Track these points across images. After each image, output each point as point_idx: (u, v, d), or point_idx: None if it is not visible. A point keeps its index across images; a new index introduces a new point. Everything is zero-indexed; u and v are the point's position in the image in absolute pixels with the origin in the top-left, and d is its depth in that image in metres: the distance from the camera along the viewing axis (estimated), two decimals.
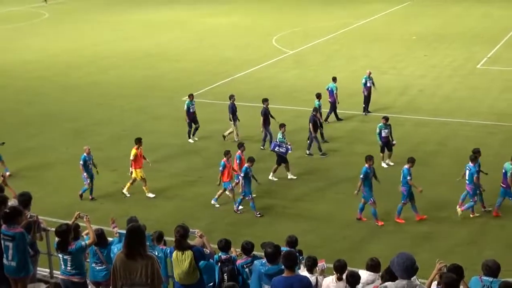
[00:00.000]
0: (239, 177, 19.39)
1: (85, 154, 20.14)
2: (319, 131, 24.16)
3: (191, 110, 25.30)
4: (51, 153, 24.68)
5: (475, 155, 18.59)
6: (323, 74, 34.11)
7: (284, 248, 10.85)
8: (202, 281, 10.97)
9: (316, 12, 59.34)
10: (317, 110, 24.30)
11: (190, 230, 10.85)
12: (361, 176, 18.16)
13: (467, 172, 18.33)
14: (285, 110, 28.13)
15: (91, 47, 45.40)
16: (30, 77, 37.07)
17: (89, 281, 11.84)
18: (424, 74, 35.59)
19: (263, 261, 10.08)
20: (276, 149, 21.49)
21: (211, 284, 11.67)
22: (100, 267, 11.87)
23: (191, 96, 25.78)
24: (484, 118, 27.50)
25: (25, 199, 11.93)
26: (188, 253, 10.52)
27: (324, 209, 19.56)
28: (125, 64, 39.94)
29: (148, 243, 8.84)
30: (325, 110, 26.43)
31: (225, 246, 11.59)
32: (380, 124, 22.46)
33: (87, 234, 11.44)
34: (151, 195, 20.51)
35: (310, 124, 23.51)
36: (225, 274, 11.31)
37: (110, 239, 12.03)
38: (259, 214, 19.08)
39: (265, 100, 24.54)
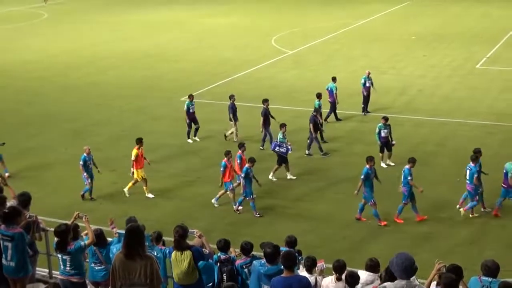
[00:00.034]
0: (240, 177, 19.36)
1: (85, 154, 20.13)
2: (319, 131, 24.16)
3: (191, 111, 25.30)
4: (51, 154, 24.66)
5: (476, 155, 18.56)
6: (322, 74, 34.12)
7: (283, 248, 10.85)
8: (201, 282, 10.95)
9: (315, 13, 59.33)
10: (317, 110, 24.30)
11: (189, 230, 10.85)
12: (362, 177, 18.13)
13: (468, 172, 18.32)
14: (284, 110, 28.11)
15: (90, 47, 45.38)
16: (29, 77, 37.06)
17: (88, 281, 11.83)
18: (423, 74, 35.59)
19: (262, 261, 10.07)
20: (276, 149, 21.48)
21: (210, 284, 11.66)
22: (99, 267, 11.87)
23: (191, 97, 25.78)
24: (483, 118, 27.50)
25: (25, 199, 11.95)
26: (187, 253, 10.50)
27: (324, 209, 19.55)
28: (124, 65, 39.91)
29: (147, 243, 8.83)
30: (325, 110, 26.43)
31: (224, 246, 11.59)
32: (379, 124, 22.45)
33: (86, 234, 11.43)
34: (150, 195, 20.49)
35: (311, 125, 23.49)
36: (224, 274, 11.31)
37: (109, 239, 12.03)
38: (258, 214, 19.07)
39: (265, 101, 24.53)
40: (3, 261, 10.91)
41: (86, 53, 43.41)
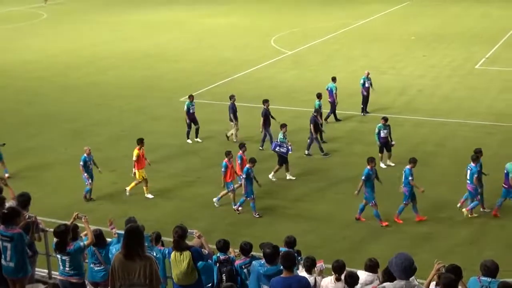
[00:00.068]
0: (241, 178, 19.35)
1: (85, 154, 20.11)
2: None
3: (191, 111, 25.29)
4: (50, 154, 24.66)
5: (477, 155, 18.54)
6: (322, 74, 34.12)
7: (282, 249, 10.85)
8: (201, 282, 10.95)
9: (315, 13, 59.34)
10: (318, 111, 24.29)
11: (189, 230, 10.84)
12: (363, 177, 18.11)
13: (468, 172, 18.30)
14: (284, 110, 28.11)
15: (90, 47, 45.38)
16: (29, 77, 37.06)
17: (88, 282, 11.82)
18: (423, 74, 35.60)
19: (262, 262, 10.06)
20: (277, 149, 21.47)
21: (210, 284, 11.66)
22: (98, 268, 11.87)
23: (191, 97, 25.77)
24: (482, 119, 27.50)
25: (24, 200, 11.95)
26: (187, 254, 10.50)
27: (324, 209, 19.54)
28: (124, 65, 39.92)
29: (146, 244, 8.83)
30: (325, 110, 26.43)
31: (223, 246, 11.58)
32: (379, 125, 22.44)
33: (85, 234, 11.43)
34: (150, 196, 20.49)
35: (311, 125, 23.49)
36: (224, 274, 11.31)
37: (108, 239, 12.02)
38: (258, 215, 19.05)
39: (265, 101, 24.52)
40: (3, 261, 10.91)
41: (86, 53, 43.41)
